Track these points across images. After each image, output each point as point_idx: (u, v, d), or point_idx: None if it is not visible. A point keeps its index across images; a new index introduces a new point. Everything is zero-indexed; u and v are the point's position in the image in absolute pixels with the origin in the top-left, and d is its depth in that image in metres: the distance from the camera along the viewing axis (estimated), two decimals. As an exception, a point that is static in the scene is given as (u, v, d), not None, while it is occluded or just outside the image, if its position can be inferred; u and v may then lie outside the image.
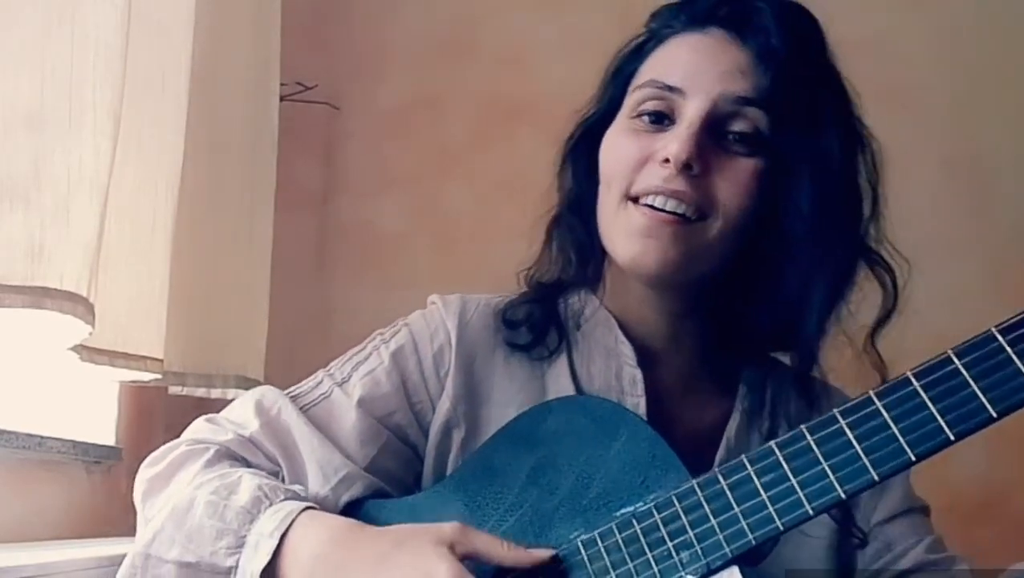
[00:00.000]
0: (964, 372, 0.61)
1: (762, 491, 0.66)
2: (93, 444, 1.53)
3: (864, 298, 0.81)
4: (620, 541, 0.70)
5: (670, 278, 0.80)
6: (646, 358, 0.86)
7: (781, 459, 0.65)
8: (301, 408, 0.84)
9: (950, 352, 0.62)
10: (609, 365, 0.86)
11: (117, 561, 1.21)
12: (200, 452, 0.81)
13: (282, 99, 1.88)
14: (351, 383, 0.86)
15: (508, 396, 0.85)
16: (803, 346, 0.80)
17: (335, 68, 2.16)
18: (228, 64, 1.64)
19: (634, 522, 0.70)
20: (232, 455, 0.82)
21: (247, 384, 1.61)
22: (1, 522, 1.30)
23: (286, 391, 0.86)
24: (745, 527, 0.66)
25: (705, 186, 0.78)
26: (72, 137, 1.05)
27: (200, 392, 1.60)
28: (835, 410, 0.65)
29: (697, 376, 0.88)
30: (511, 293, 0.92)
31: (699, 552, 0.67)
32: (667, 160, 0.78)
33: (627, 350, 0.86)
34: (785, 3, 0.82)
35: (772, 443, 0.66)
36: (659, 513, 0.69)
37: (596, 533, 0.71)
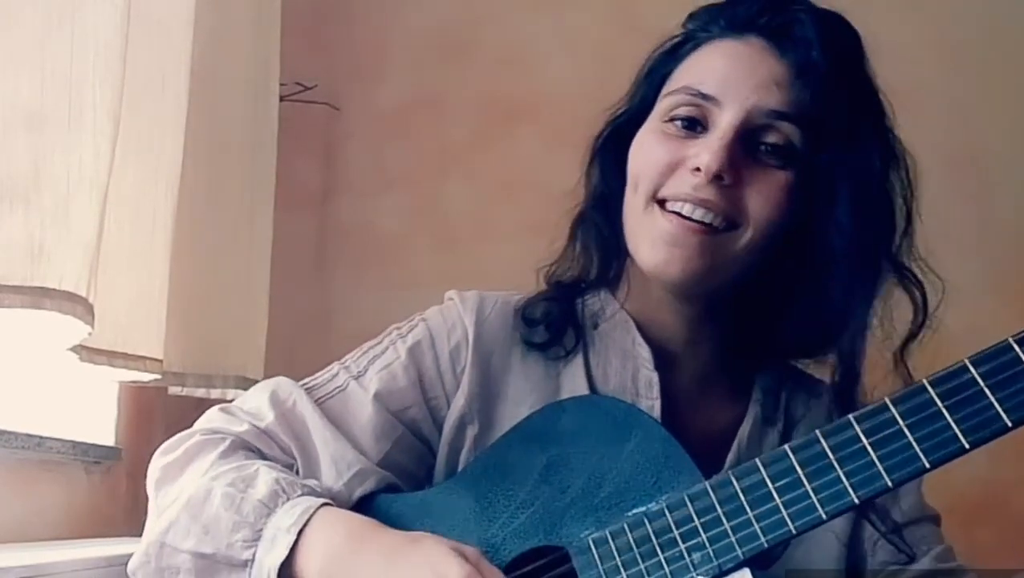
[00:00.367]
0: (980, 381, 0.61)
1: (775, 494, 0.66)
2: (93, 444, 1.53)
3: (896, 312, 0.81)
4: (631, 540, 0.70)
5: (693, 286, 0.80)
6: (662, 361, 0.86)
7: (795, 463, 0.66)
8: (316, 400, 0.84)
9: (966, 361, 0.62)
10: (625, 367, 0.86)
11: (116, 561, 1.22)
12: (216, 442, 0.81)
13: (282, 99, 1.88)
14: (367, 377, 0.86)
15: (523, 394, 0.85)
16: (845, 362, 0.79)
17: (335, 68, 2.16)
18: (228, 64, 1.64)
19: (646, 522, 0.70)
20: (247, 446, 0.82)
21: (247, 384, 1.60)
22: (1, 522, 1.30)
23: (300, 383, 0.86)
24: (758, 530, 0.66)
25: (735, 196, 0.78)
26: (72, 137, 1.04)
27: (200, 392, 1.60)
28: (850, 416, 0.65)
29: (712, 379, 0.88)
30: (529, 291, 0.92)
31: (711, 553, 0.67)
32: (698, 169, 0.78)
33: (644, 352, 0.86)
34: (827, 13, 0.81)
35: (786, 446, 0.66)
36: (671, 513, 0.69)
37: (607, 531, 0.71)
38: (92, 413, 1.61)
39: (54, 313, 1.03)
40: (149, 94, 1.36)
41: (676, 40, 0.88)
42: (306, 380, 0.87)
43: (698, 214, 0.78)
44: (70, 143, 1.04)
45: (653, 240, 0.80)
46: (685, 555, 0.68)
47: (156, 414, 1.74)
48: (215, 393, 1.61)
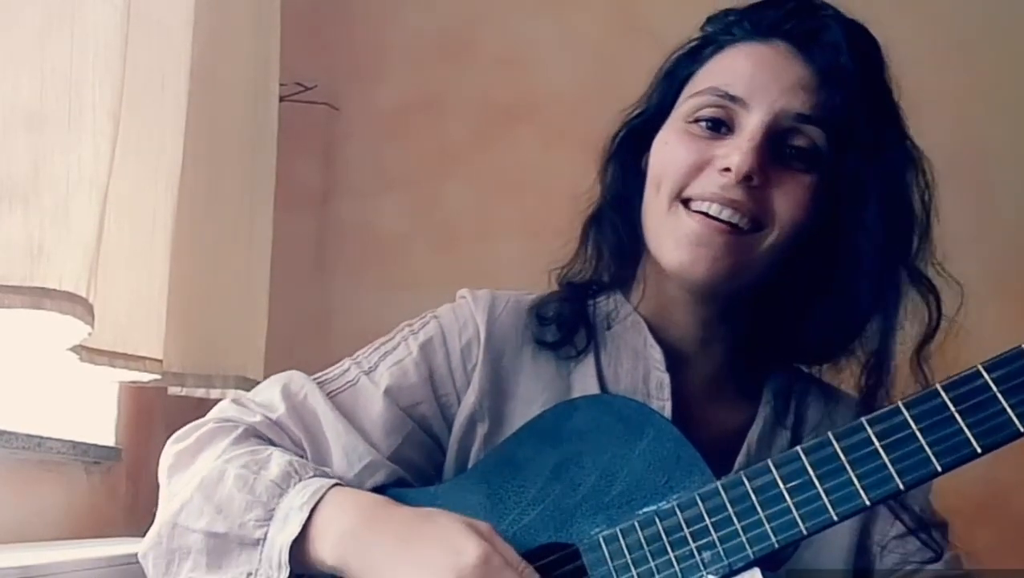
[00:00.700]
0: (993, 386, 0.62)
1: (787, 495, 0.66)
2: (92, 444, 1.52)
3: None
4: (642, 538, 0.70)
5: (717, 286, 0.81)
6: (674, 362, 0.86)
7: (807, 464, 0.66)
8: (328, 394, 0.84)
9: (979, 366, 0.63)
10: (636, 367, 0.86)
11: (116, 561, 1.21)
12: (228, 429, 0.82)
13: (282, 99, 1.88)
14: (378, 372, 0.86)
15: (533, 393, 0.86)
16: (876, 365, 0.80)
17: (335, 68, 2.16)
18: (228, 64, 1.64)
19: (656, 520, 0.70)
20: (259, 435, 0.82)
21: (247, 384, 1.61)
22: (1, 522, 1.30)
23: (312, 377, 0.87)
24: (768, 530, 0.66)
25: (762, 198, 0.79)
26: (72, 137, 1.04)
27: (199, 392, 1.60)
28: (863, 418, 0.65)
29: (723, 382, 0.88)
30: (535, 291, 0.92)
31: (721, 553, 0.67)
32: (727, 169, 0.78)
33: (656, 354, 0.86)
34: (851, 21, 0.82)
35: (798, 448, 0.67)
36: (682, 512, 0.69)
37: (618, 529, 0.71)
38: (92, 413, 1.61)
39: (54, 313, 1.03)
40: (149, 94, 1.36)
41: (696, 42, 0.88)
42: (317, 374, 0.87)
43: (725, 214, 0.78)
44: (70, 143, 1.04)
45: (678, 240, 0.80)
46: (695, 554, 0.68)
47: (156, 414, 1.74)
48: (215, 393, 1.61)
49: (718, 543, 0.67)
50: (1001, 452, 0.64)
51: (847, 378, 0.86)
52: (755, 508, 0.67)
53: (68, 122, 1.04)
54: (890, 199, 0.80)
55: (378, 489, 0.80)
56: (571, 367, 0.87)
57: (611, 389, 0.86)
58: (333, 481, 0.75)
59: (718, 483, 0.69)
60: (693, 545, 0.68)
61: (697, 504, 0.69)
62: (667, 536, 0.69)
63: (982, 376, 0.62)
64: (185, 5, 1.44)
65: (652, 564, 0.69)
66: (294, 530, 0.72)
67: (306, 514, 0.72)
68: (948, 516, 0.87)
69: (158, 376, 1.41)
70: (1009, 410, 0.61)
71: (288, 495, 0.74)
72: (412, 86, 2.16)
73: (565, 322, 0.87)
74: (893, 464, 0.63)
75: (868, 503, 0.64)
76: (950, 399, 0.63)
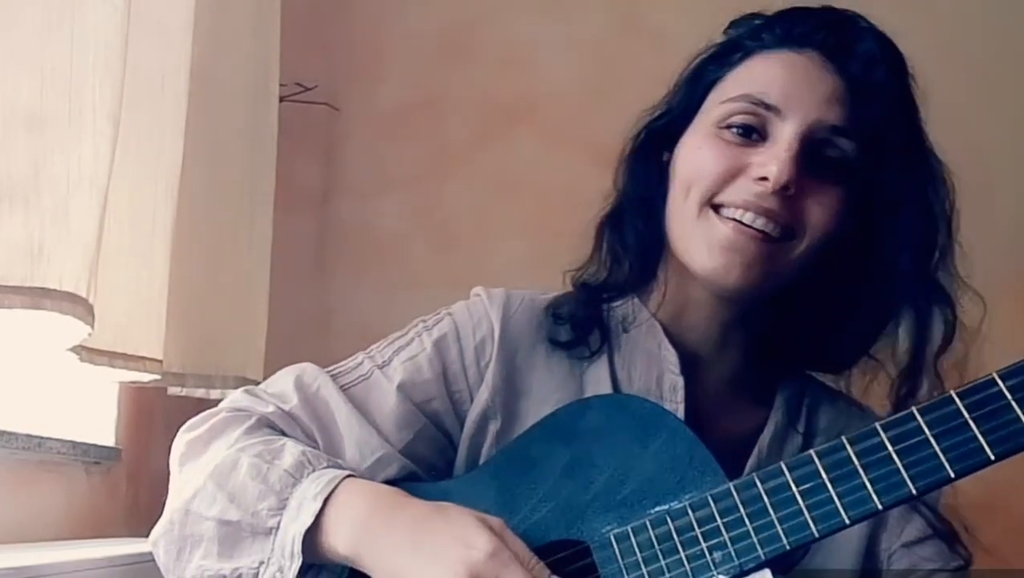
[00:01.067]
0: (1007, 394, 0.62)
1: (799, 497, 0.66)
2: (93, 445, 1.52)
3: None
4: (653, 537, 0.70)
5: (746, 292, 0.81)
6: (688, 366, 0.86)
7: (820, 467, 0.66)
8: (341, 387, 0.85)
9: (995, 374, 0.63)
10: (650, 370, 0.87)
11: (116, 561, 1.21)
12: (241, 419, 0.82)
13: (282, 100, 1.88)
14: (392, 367, 0.86)
15: (546, 392, 0.86)
16: (912, 376, 0.80)
17: (335, 69, 2.16)
18: (228, 64, 1.64)
19: (668, 520, 0.70)
20: (271, 425, 0.83)
21: (247, 385, 1.60)
22: (1, 522, 1.30)
23: (325, 369, 0.87)
24: (780, 532, 0.66)
25: (794, 207, 0.79)
26: (72, 137, 1.04)
27: (199, 393, 1.60)
28: (876, 423, 0.66)
29: (736, 386, 0.88)
30: (543, 290, 0.93)
31: (732, 553, 0.67)
32: (764, 178, 0.78)
33: (671, 356, 0.86)
34: (883, 36, 0.83)
35: (811, 451, 0.67)
36: (694, 512, 0.70)
37: (629, 528, 0.72)
38: (92, 413, 1.61)
39: (54, 313, 1.03)
40: (149, 94, 1.36)
41: (721, 46, 0.87)
42: (331, 367, 0.87)
43: (759, 223, 0.78)
44: (70, 143, 1.04)
45: (710, 246, 0.80)
46: (706, 554, 0.68)
47: (156, 414, 1.74)
48: (215, 393, 1.61)
49: (729, 543, 0.68)
50: (1002, 452, 0.64)
51: (872, 388, 0.86)
52: (767, 509, 0.67)
53: (68, 122, 1.04)
54: (920, 211, 0.81)
55: (389, 483, 0.80)
56: (584, 367, 0.87)
57: (624, 390, 0.86)
58: (346, 472, 0.75)
59: (730, 484, 0.69)
60: (704, 545, 0.68)
61: (709, 504, 0.69)
62: (678, 535, 0.69)
63: (997, 384, 0.63)
64: (185, 5, 1.44)
65: (663, 563, 0.69)
66: (307, 520, 0.72)
67: (319, 504, 0.72)
68: (948, 516, 0.87)
69: (158, 376, 1.41)
70: (1023, 417, 0.62)
71: (302, 485, 0.74)
72: (412, 86, 2.16)
73: (579, 323, 0.88)
74: (906, 469, 0.64)
75: (880, 507, 0.64)
76: (964, 406, 0.63)
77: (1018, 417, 0.62)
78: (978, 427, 0.62)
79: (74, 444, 1.45)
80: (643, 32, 2.11)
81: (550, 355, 0.88)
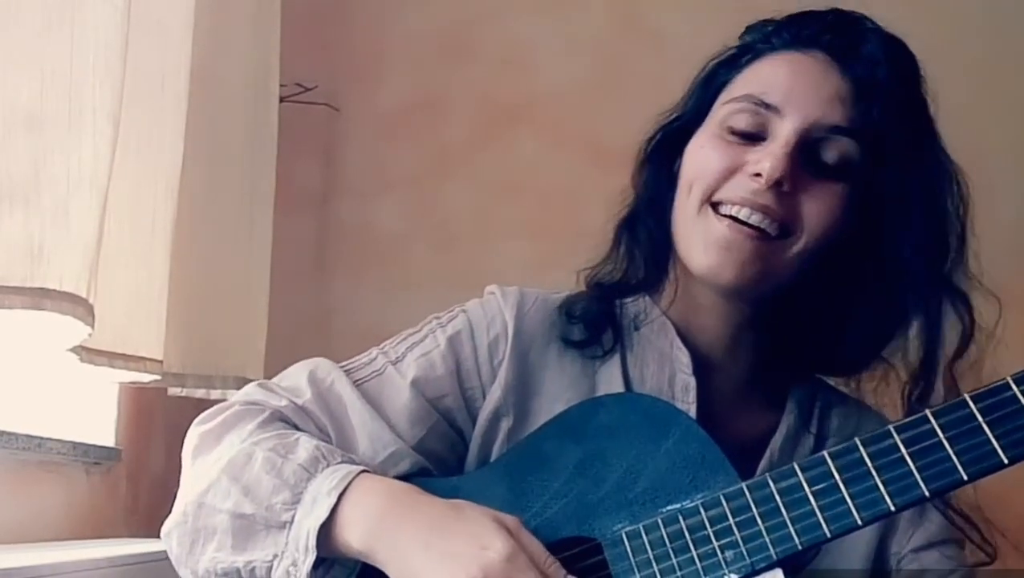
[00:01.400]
0: (1022, 399, 0.63)
1: (812, 498, 0.66)
2: (93, 445, 1.52)
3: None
4: (665, 536, 0.70)
5: (744, 291, 0.81)
6: (700, 367, 0.86)
7: (833, 468, 0.66)
8: (354, 382, 0.85)
9: (1009, 379, 0.63)
10: (662, 370, 0.87)
11: (116, 562, 1.21)
12: (255, 412, 0.82)
13: (282, 100, 1.88)
14: (405, 363, 0.86)
15: (559, 390, 0.86)
16: (924, 378, 0.80)
17: (335, 69, 2.16)
18: (228, 64, 1.64)
19: (680, 518, 0.70)
20: (284, 419, 0.83)
21: (247, 385, 1.60)
22: (1, 523, 1.30)
23: (339, 364, 0.87)
24: (792, 531, 0.66)
25: (791, 204, 0.79)
26: (72, 138, 1.04)
27: (199, 393, 1.60)
28: (890, 425, 0.66)
29: (748, 388, 0.88)
30: (558, 289, 0.93)
31: (744, 552, 0.67)
32: (758, 174, 0.78)
33: (683, 357, 0.86)
34: (889, 35, 0.83)
35: (824, 452, 0.67)
36: (706, 511, 0.70)
37: (641, 526, 0.72)
38: (92, 414, 1.61)
39: (54, 314, 1.02)
40: (149, 94, 1.36)
41: (734, 51, 0.88)
42: (344, 363, 0.88)
43: (755, 219, 0.79)
44: (70, 144, 1.04)
45: (706, 244, 0.80)
46: (718, 552, 0.68)
47: (156, 415, 1.74)
48: (215, 394, 1.61)
49: (741, 543, 0.68)
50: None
51: (882, 391, 0.86)
52: (779, 509, 0.67)
53: (68, 123, 1.04)
54: (927, 211, 0.80)
55: (402, 478, 0.80)
56: (597, 367, 0.88)
57: (636, 390, 0.86)
58: (361, 467, 0.76)
59: (743, 484, 0.69)
60: (716, 544, 0.68)
61: (721, 504, 0.69)
62: (690, 534, 0.70)
63: (1011, 388, 0.63)
64: (185, 5, 1.44)
65: (674, 561, 0.69)
66: (322, 514, 0.72)
67: (334, 499, 0.72)
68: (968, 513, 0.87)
69: (158, 377, 1.41)
70: None
71: (316, 479, 0.74)
72: (412, 86, 2.16)
73: (593, 321, 0.88)
74: (919, 471, 0.64)
75: (893, 509, 0.64)
76: (978, 409, 0.63)
77: None
78: (992, 431, 0.63)
79: (74, 444, 1.45)
80: (643, 32, 2.11)
81: (563, 354, 0.88)
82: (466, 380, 0.87)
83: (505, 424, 0.85)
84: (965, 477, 0.63)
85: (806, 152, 0.79)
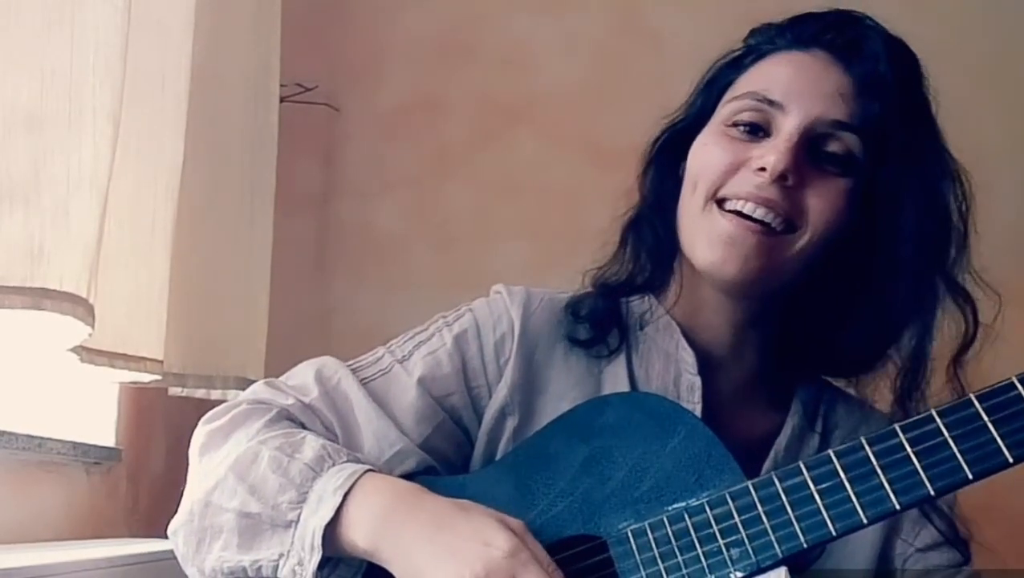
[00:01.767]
0: None
1: (817, 496, 0.67)
2: (93, 445, 1.52)
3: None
4: (671, 534, 0.71)
5: (748, 287, 0.82)
6: (705, 366, 0.87)
7: (838, 467, 0.67)
8: (361, 380, 0.85)
9: (1014, 378, 0.64)
10: (668, 369, 0.87)
11: (116, 562, 1.21)
12: (262, 411, 0.82)
13: (282, 100, 1.88)
14: (412, 361, 0.87)
15: (564, 389, 0.87)
16: (913, 372, 0.81)
17: (335, 69, 2.16)
18: (228, 64, 1.63)
19: (686, 517, 0.71)
20: (291, 418, 0.83)
21: (247, 385, 1.60)
22: (1, 523, 1.30)
23: (346, 363, 0.87)
24: (798, 530, 0.67)
25: (795, 199, 0.79)
26: (72, 138, 1.04)
27: (200, 393, 1.60)
28: (895, 425, 0.66)
29: (753, 388, 0.89)
30: (559, 289, 0.94)
31: (749, 550, 0.68)
32: (763, 169, 0.79)
33: (688, 357, 0.87)
34: (890, 35, 0.84)
35: (830, 451, 0.68)
36: (711, 510, 0.70)
37: (646, 523, 0.72)
38: (92, 414, 1.61)
39: (54, 314, 1.03)
40: (149, 94, 1.36)
41: (738, 52, 0.89)
42: (351, 361, 0.88)
43: (759, 213, 0.79)
44: (70, 144, 1.04)
45: (711, 239, 0.81)
46: (723, 550, 0.68)
47: (156, 415, 1.74)
48: (215, 394, 1.61)
49: (747, 541, 0.68)
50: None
51: (879, 387, 0.87)
52: (785, 508, 0.67)
53: (68, 123, 1.04)
54: (928, 208, 0.81)
55: (407, 476, 0.80)
56: (602, 366, 0.88)
57: (642, 389, 0.87)
58: (367, 466, 0.76)
59: (748, 483, 0.70)
60: (721, 542, 0.69)
61: (727, 502, 0.70)
62: (696, 532, 0.70)
63: (1016, 388, 0.63)
64: (185, 5, 1.44)
65: (679, 559, 0.70)
66: (328, 513, 0.72)
67: (340, 498, 0.73)
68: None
69: (158, 377, 1.41)
70: None
71: (322, 478, 0.74)
72: (412, 86, 2.16)
73: (599, 321, 0.88)
74: (925, 470, 0.64)
75: (898, 507, 0.64)
76: (984, 409, 0.64)
77: None
78: (997, 430, 0.63)
79: (74, 444, 1.45)
80: (643, 32, 2.11)
81: (568, 353, 0.88)
82: (472, 379, 0.87)
83: (511, 423, 0.86)
84: (970, 476, 0.63)
85: (810, 147, 0.80)
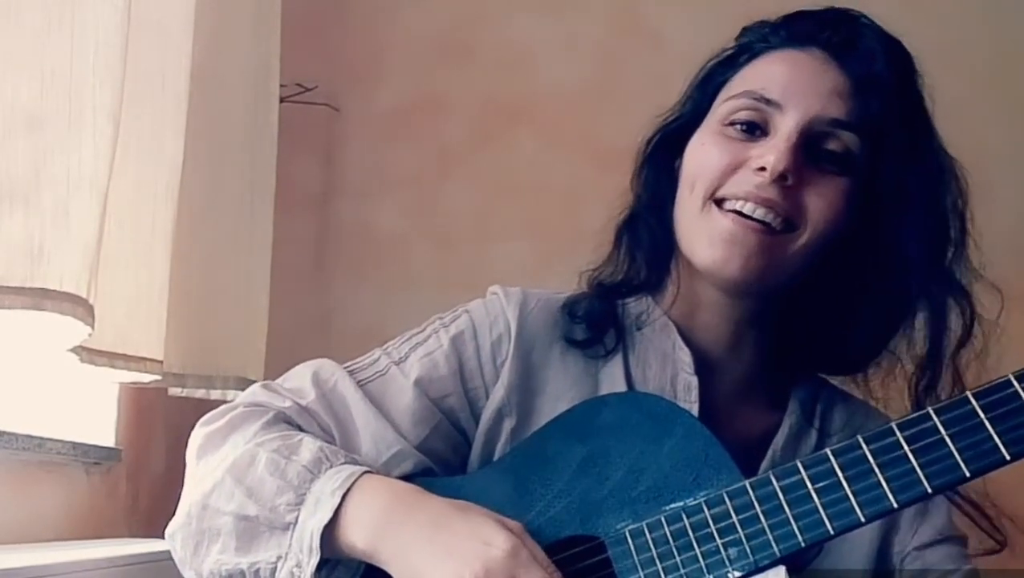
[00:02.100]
0: (1023, 395, 0.63)
1: (815, 495, 0.67)
2: (93, 445, 1.52)
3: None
4: (668, 534, 0.71)
5: (748, 286, 0.81)
6: (702, 366, 0.86)
7: (835, 466, 0.67)
8: (357, 382, 0.85)
9: (1011, 376, 0.64)
10: (664, 369, 0.87)
11: (116, 562, 1.21)
12: (259, 413, 0.82)
13: (282, 100, 1.88)
14: (409, 363, 0.87)
15: (561, 390, 0.86)
16: (930, 370, 0.81)
17: (335, 69, 2.16)
18: (228, 65, 1.64)
19: (683, 516, 0.71)
20: (288, 421, 0.83)
21: (247, 385, 1.60)
22: (1, 523, 1.30)
23: (343, 365, 0.87)
24: (795, 529, 0.67)
25: (795, 198, 0.79)
26: (72, 138, 1.04)
27: (200, 393, 1.60)
28: (892, 423, 0.66)
29: (750, 388, 0.89)
30: (559, 290, 0.93)
31: (747, 550, 0.67)
32: (762, 168, 0.79)
33: (685, 356, 0.87)
34: (885, 32, 0.84)
35: (827, 450, 0.68)
36: (709, 509, 0.70)
37: (644, 524, 0.72)
38: (92, 414, 1.61)
39: (54, 314, 1.03)
40: (149, 94, 1.36)
41: (731, 51, 0.89)
42: (348, 363, 0.88)
43: (759, 213, 0.79)
44: (70, 144, 1.04)
45: (711, 239, 0.81)
46: (721, 550, 0.68)
47: (156, 415, 1.74)
48: (215, 394, 1.61)
49: (744, 540, 0.68)
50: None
51: (888, 384, 0.87)
52: (782, 507, 0.67)
53: (68, 123, 1.04)
54: (927, 205, 0.81)
55: (405, 478, 0.80)
56: (599, 366, 0.88)
57: (639, 389, 0.87)
58: (364, 468, 0.76)
59: (746, 482, 0.69)
60: (719, 541, 0.69)
61: (725, 502, 0.69)
62: (694, 532, 0.70)
63: (1013, 385, 0.63)
64: (185, 5, 1.44)
65: (678, 559, 0.70)
66: (326, 515, 0.72)
67: (338, 500, 0.72)
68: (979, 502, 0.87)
69: (158, 377, 1.41)
70: None
71: (320, 480, 0.74)
72: (412, 86, 2.16)
73: (595, 321, 0.88)
74: (922, 468, 0.64)
75: (896, 505, 0.64)
76: (980, 406, 0.63)
77: None
78: (994, 427, 0.63)
79: (74, 444, 1.45)
80: (643, 32, 2.11)
81: (565, 354, 0.88)
82: (469, 380, 0.87)
83: (508, 424, 0.86)
84: (967, 473, 0.63)
85: (808, 146, 0.80)
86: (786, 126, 0.80)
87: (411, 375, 0.85)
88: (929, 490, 0.64)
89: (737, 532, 0.68)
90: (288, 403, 0.84)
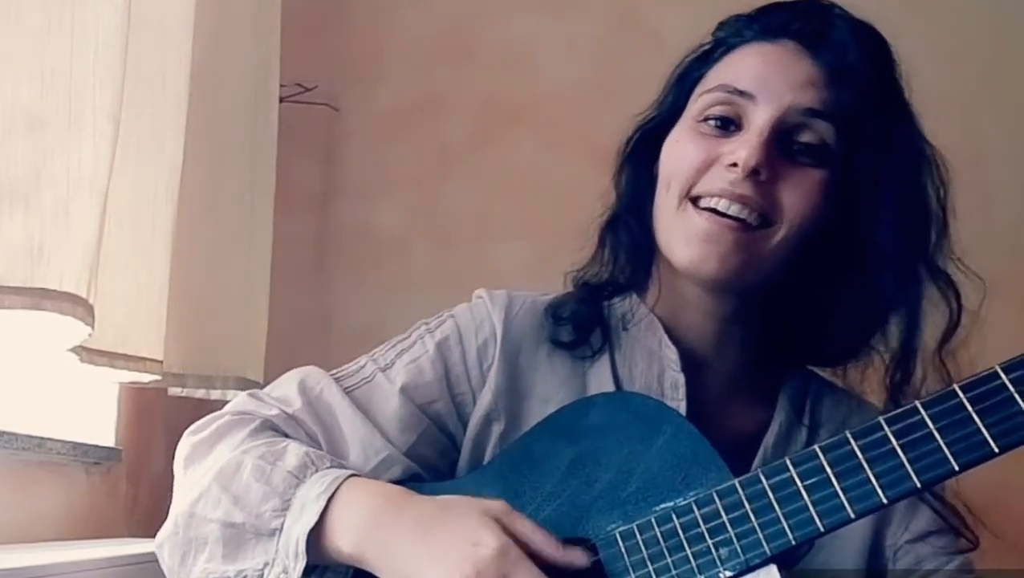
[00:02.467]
0: (1011, 387, 0.62)
1: (804, 493, 0.66)
2: (93, 445, 1.52)
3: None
4: (659, 535, 0.70)
5: (728, 283, 0.81)
6: (690, 363, 0.86)
7: (824, 462, 0.66)
8: (344, 390, 0.85)
9: (997, 368, 0.63)
10: (651, 368, 0.87)
11: (116, 562, 1.21)
12: (245, 422, 0.82)
13: (282, 100, 1.88)
14: (394, 369, 0.86)
15: (549, 392, 0.86)
16: (903, 363, 0.80)
17: (335, 69, 2.16)
18: (228, 65, 1.64)
19: (673, 517, 0.70)
20: (275, 428, 0.83)
21: (247, 385, 1.61)
22: (1, 523, 1.30)
23: (329, 373, 0.87)
24: (785, 527, 0.66)
25: (770, 193, 0.79)
26: (72, 138, 1.04)
27: (200, 393, 1.60)
28: (880, 418, 0.66)
29: (738, 384, 0.88)
30: (544, 290, 0.93)
31: (738, 549, 0.67)
32: (735, 164, 0.78)
33: (671, 354, 0.86)
34: (859, 22, 0.83)
35: (816, 446, 0.67)
36: (699, 509, 0.70)
37: (634, 525, 0.72)
38: (92, 414, 1.61)
39: (54, 314, 1.03)
40: (149, 95, 1.36)
41: (706, 47, 0.89)
42: (334, 371, 0.88)
43: (733, 210, 0.78)
44: (70, 144, 1.04)
45: (688, 238, 0.80)
46: (712, 550, 0.68)
47: (156, 415, 1.74)
48: (215, 394, 1.61)
49: (735, 540, 0.67)
50: (1003, 455, 0.64)
51: (868, 376, 0.86)
52: (772, 505, 0.67)
53: (68, 123, 1.04)
54: (906, 194, 0.80)
55: (394, 484, 0.80)
56: (586, 367, 0.88)
57: (626, 388, 0.86)
58: (349, 472, 0.76)
59: (735, 481, 0.69)
60: (710, 541, 0.68)
61: (714, 501, 0.69)
62: (684, 532, 0.69)
63: (1000, 377, 0.63)
64: (185, 5, 1.44)
65: (669, 560, 0.69)
66: (311, 520, 0.72)
67: (323, 504, 0.72)
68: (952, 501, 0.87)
69: (158, 377, 1.41)
70: None
71: (305, 485, 0.74)
72: (412, 87, 2.16)
73: (581, 322, 0.88)
74: (911, 463, 0.64)
75: (885, 501, 0.64)
76: (968, 399, 0.63)
77: (1021, 410, 0.62)
78: (982, 420, 0.62)
79: (74, 444, 1.45)
80: (643, 32, 2.11)
81: (552, 355, 0.88)
82: (455, 385, 0.86)
83: (496, 428, 0.85)
84: (956, 467, 0.63)
85: (782, 140, 0.79)
86: (759, 120, 0.79)
87: (397, 381, 0.85)
88: (918, 485, 0.63)
89: (727, 531, 0.68)
90: (275, 411, 0.83)
